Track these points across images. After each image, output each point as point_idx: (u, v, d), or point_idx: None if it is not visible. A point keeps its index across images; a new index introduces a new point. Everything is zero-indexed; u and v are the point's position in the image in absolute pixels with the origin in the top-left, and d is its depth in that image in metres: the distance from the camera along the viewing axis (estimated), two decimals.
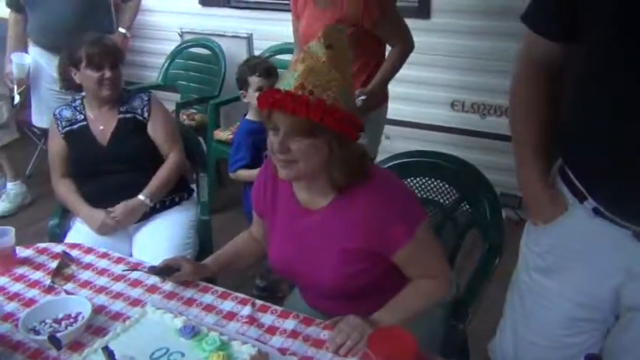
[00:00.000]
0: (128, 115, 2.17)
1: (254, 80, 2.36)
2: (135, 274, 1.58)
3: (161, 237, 2.11)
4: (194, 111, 3.91)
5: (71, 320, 1.37)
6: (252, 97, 2.37)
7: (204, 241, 2.23)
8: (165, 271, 1.51)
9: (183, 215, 2.22)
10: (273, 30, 3.79)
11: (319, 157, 1.30)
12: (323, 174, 1.34)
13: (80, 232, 2.09)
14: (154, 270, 1.53)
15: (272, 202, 1.51)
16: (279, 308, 1.41)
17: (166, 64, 4.03)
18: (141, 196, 2.10)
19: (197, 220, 2.24)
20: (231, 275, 1.80)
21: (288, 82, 1.27)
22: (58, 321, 1.37)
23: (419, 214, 1.39)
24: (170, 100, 3.87)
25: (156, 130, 2.19)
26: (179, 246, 2.10)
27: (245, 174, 2.38)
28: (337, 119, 1.25)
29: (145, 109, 2.19)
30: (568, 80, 1.29)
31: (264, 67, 2.39)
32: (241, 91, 2.44)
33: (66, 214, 2.22)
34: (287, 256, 1.48)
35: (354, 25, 2.30)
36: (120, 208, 2.07)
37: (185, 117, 3.78)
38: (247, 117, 2.46)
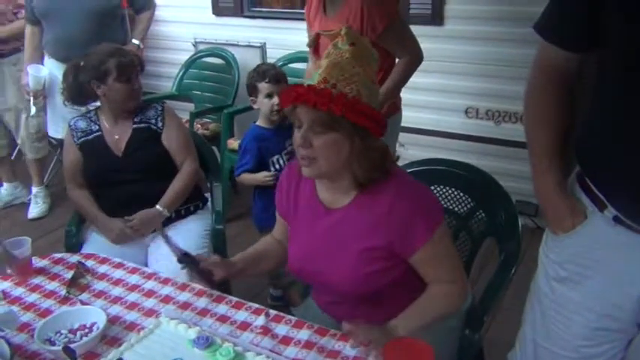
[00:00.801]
0: (142, 125, 2.19)
1: (263, 86, 2.37)
2: (149, 285, 1.58)
3: None
4: (208, 120, 3.93)
5: (86, 330, 1.38)
6: (261, 103, 2.38)
7: (218, 250, 2.23)
8: (192, 260, 1.51)
9: (198, 224, 2.22)
10: (286, 39, 3.80)
11: (341, 152, 1.31)
12: (345, 171, 1.36)
13: (96, 243, 2.10)
14: (182, 259, 1.51)
15: (294, 204, 1.52)
16: (293, 318, 1.40)
17: (180, 74, 4.05)
18: (158, 207, 2.11)
19: (212, 229, 2.25)
20: (252, 278, 1.79)
21: (312, 78, 1.31)
22: (73, 331, 1.38)
23: (439, 216, 1.40)
24: (184, 109, 3.91)
25: (170, 140, 2.20)
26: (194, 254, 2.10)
27: (248, 177, 2.40)
28: (359, 112, 1.27)
29: (159, 118, 2.20)
30: (585, 87, 1.27)
31: (273, 73, 2.39)
32: (251, 98, 2.44)
33: (82, 224, 2.24)
34: (307, 255, 1.48)
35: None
36: (137, 218, 2.08)
37: (199, 126, 3.80)
38: (257, 123, 2.47)
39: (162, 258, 2.08)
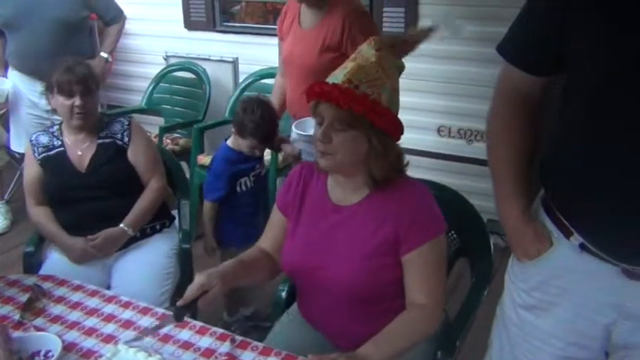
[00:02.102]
0: (107, 141, 2.11)
1: (251, 140, 2.28)
2: (108, 309, 1.51)
3: (141, 266, 2.04)
4: (178, 135, 3.85)
5: (40, 359, 1.30)
6: (243, 144, 2.30)
7: (184, 270, 2.16)
8: (190, 306, 1.32)
9: (164, 243, 2.15)
10: (259, 54, 3.77)
11: (358, 150, 1.36)
12: (361, 168, 1.39)
13: (56, 263, 2.01)
14: (180, 313, 1.33)
15: (300, 199, 1.53)
16: (260, 345, 1.35)
17: (150, 88, 3.98)
18: (123, 226, 2.03)
19: (178, 248, 2.18)
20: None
21: (336, 77, 1.35)
22: None
23: (442, 226, 1.43)
24: (154, 124, 3.83)
25: (137, 156, 2.12)
26: (160, 274, 2.03)
27: (211, 208, 2.33)
28: (378, 113, 1.32)
29: (126, 133, 2.12)
30: (549, 110, 1.26)
31: (262, 131, 2.26)
32: (235, 129, 2.32)
33: (42, 243, 2.15)
34: (307, 250, 1.47)
35: (337, 50, 2.29)
36: (101, 237, 2.00)
37: (169, 141, 3.72)
38: (228, 143, 2.40)
39: (126, 275, 2.00)
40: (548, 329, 1.28)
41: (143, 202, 2.10)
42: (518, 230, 1.29)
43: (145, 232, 2.12)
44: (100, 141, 2.10)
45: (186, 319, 1.42)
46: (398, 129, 1.39)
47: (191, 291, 1.32)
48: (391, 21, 3.32)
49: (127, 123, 2.16)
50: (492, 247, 1.70)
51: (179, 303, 1.34)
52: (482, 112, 3.33)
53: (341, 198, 1.47)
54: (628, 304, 1.17)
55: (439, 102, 3.35)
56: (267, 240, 1.61)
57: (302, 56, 2.37)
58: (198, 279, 1.34)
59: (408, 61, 3.32)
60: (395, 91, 1.39)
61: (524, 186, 1.31)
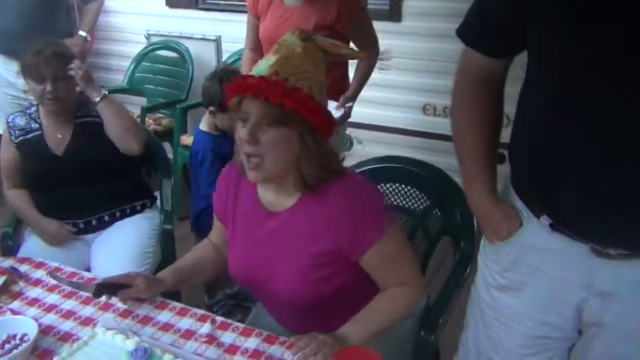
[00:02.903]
0: (86, 120, 2.04)
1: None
2: (81, 283, 1.48)
3: (120, 247, 2.01)
4: (161, 115, 3.79)
5: (16, 342, 1.28)
6: (223, 119, 2.23)
7: (166, 251, 2.14)
8: (110, 289, 1.38)
9: (144, 224, 2.12)
10: (242, 32, 3.69)
11: (290, 151, 1.24)
12: (292, 171, 1.28)
13: (34, 245, 1.98)
14: (99, 290, 1.38)
15: (233, 209, 1.43)
16: (241, 325, 1.33)
17: (132, 67, 3.91)
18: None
19: (160, 229, 2.15)
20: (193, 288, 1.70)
21: (260, 69, 1.22)
22: (1, 344, 1.27)
23: (390, 215, 1.34)
24: (136, 104, 3.77)
25: (110, 126, 2.00)
26: (139, 255, 2.00)
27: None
28: (312, 110, 1.20)
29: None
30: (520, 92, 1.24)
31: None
32: (210, 108, 2.26)
33: (20, 225, 2.11)
34: (248, 263, 1.40)
35: (330, 29, 2.25)
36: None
37: (151, 122, 3.67)
38: (203, 127, 2.30)
39: (105, 256, 1.97)
40: (520, 309, 1.28)
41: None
42: (486, 211, 1.28)
43: (124, 212, 2.09)
44: (78, 121, 2.04)
45: (165, 300, 1.44)
46: (330, 126, 1.27)
47: (117, 277, 1.41)
48: None
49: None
50: (476, 225, 1.69)
51: (99, 280, 1.43)
52: None
53: (273, 203, 1.36)
54: (597, 282, 1.16)
55: (424, 80, 3.32)
56: (215, 235, 1.58)
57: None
58: (130, 272, 1.44)
59: (393, 39, 3.31)
60: (323, 86, 1.27)
61: (491, 167, 1.30)
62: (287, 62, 1.21)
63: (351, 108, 2.51)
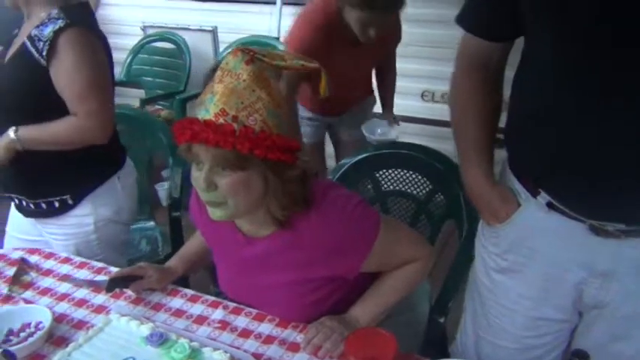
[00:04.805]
0: (28, 47, 1.57)
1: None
2: (98, 279, 1.50)
3: None
4: (160, 107, 3.80)
5: (31, 330, 1.29)
6: None
7: (176, 239, 2.15)
8: (122, 282, 1.40)
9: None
10: (239, 23, 3.71)
11: (253, 191, 1.13)
12: (260, 208, 1.19)
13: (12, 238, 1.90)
14: (111, 285, 1.40)
15: (212, 228, 1.34)
16: (253, 310, 1.35)
17: (129, 60, 3.91)
18: (10, 131, 1.61)
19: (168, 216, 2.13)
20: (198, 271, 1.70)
21: (206, 108, 1.09)
22: (15, 332, 1.29)
23: (372, 218, 1.24)
24: (134, 96, 3.78)
25: (58, 82, 1.58)
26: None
27: None
28: (269, 147, 1.08)
29: (47, 46, 1.54)
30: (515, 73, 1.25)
31: None
32: None
33: None
34: (237, 287, 1.38)
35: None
36: None
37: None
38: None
39: None
40: (519, 290, 1.29)
41: (49, 126, 1.62)
42: (484, 194, 1.29)
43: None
44: (26, 41, 1.58)
45: (177, 287, 1.46)
46: (293, 149, 1.13)
47: (129, 270, 1.42)
48: None
49: (56, 28, 1.55)
50: None
51: (111, 275, 1.44)
52: None
53: (250, 230, 1.27)
54: (597, 262, 1.18)
55: (423, 67, 3.34)
56: None
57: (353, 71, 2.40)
58: (142, 264, 1.44)
59: None
60: (280, 107, 1.11)
61: (487, 151, 1.31)
62: (233, 94, 1.07)
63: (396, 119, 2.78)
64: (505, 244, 1.30)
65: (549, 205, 1.19)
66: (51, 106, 1.60)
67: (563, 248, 1.21)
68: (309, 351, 1.21)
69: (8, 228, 1.92)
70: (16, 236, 1.89)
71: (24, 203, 1.76)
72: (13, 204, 1.85)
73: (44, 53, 1.54)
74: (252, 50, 1.11)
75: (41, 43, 1.54)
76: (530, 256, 1.26)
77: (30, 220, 1.81)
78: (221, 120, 1.07)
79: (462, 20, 1.26)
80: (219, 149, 1.07)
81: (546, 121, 1.14)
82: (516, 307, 1.30)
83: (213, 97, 1.08)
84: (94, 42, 1.63)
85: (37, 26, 1.57)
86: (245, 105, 1.07)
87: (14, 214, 1.86)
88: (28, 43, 1.57)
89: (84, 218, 1.75)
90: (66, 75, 1.57)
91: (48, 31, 1.55)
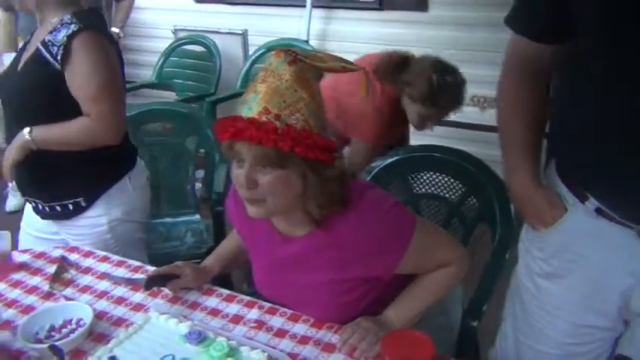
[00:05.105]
0: (42, 51, 1.61)
1: None
2: (136, 277, 1.53)
3: None
4: None
5: (72, 327, 1.33)
6: None
7: (217, 233, 2.21)
8: (160, 281, 1.43)
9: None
10: (268, 25, 3.75)
11: (292, 190, 1.15)
12: (298, 207, 1.21)
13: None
14: (149, 283, 1.43)
15: (248, 226, 1.37)
16: (288, 311, 1.36)
17: (160, 62, 3.98)
18: (25, 132, 1.66)
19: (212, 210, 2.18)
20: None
21: (250, 107, 1.12)
22: (57, 328, 1.32)
23: (408, 219, 1.26)
24: (166, 98, 3.84)
25: (73, 84, 1.62)
26: None
27: None
28: (310, 146, 1.10)
29: (61, 50, 1.58)
30: (560, 78, 1.25)
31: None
32: None
33: None
34: (273, 288, 1.40)
35: None
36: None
37: None
38: None
39: None
40: (564, 296, 1.27)
41: (62, 126, 1.66)
42: (530, 198, 1.28)
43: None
44: (40, 47, 1.63)
45: (212, 287, 1.48)
46: (332, 150, 1.15)
47: (166, 268, 1.45)
48: None
49: (69, 33, 1.58)
50: (513, 211, 1.70)
51: (149, 273, 1.47)
52: (495, 79, 3.30)
53: (287, 229, 1.29)
54: None
55: (471, 71, 3.31)
56: None
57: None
58: (178, 263, 1.46)
59: (419, 29, 3.30)
60: (320, 106, 1.15)
61: (535, 154, 1.30)
62: (276, 94, 1.10)
63: None
64: (550, 249, 1.28)
65: (598, 211, 1.18)
66: (65, 109, 1.65)
67: (611, 254, 1.19)
68: (345, 352, 1.22)
69: (23, 224, 1.97)
70: (31, 233, 1.94)
71: (40, 207, 1.82)
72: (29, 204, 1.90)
73: (59, 57, 1.58)
74: (295, 51, 1.14)
75: (55, 48, 1.58)
76: (576, 262, 1.24)
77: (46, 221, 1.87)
78: (264, 118, 1.09)
79: (511, 22, 1.25)
80: (260, 147, 1.09)
81: (596, 126, 1.13)
82: (559, 313, 1.29)
83: (256, 96, 1.11)
84: (107, 46, 1.67)
85: (51, 32, 1.61)
86: (287, 104, 1.10)
87: (30, 211, 1.91)
88: (42, 49, 1.61)
89: (97, 219, 1.80)
90: (80, 77, 1.61)
91: (61, 35, 1.58)
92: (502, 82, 1.32)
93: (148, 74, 4.10)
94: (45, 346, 1.22)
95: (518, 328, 1.40)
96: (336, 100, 2.35)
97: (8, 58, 3.09)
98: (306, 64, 1.13)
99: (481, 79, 3.25)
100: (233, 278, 1.81)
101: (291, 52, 1.13)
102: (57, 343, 1.22)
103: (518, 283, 1.40)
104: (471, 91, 3.31)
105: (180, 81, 3.97)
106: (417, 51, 3.28)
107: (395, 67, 2.25)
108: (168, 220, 2.53)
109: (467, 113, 3.34)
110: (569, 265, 1.26)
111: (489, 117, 3.30)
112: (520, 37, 1.24)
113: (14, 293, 1.50)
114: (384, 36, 3.41)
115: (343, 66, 1.17)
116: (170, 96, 3.92)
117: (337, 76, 2.10)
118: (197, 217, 2.52)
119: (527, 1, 1.23)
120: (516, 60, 1.28)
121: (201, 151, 2.46)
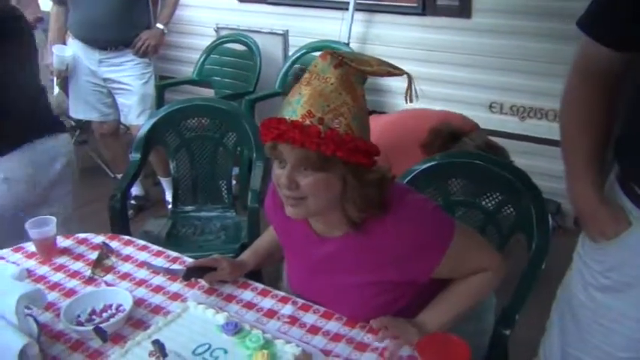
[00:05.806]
0: None
1: None
2: (174, 267, 1.57)
3: None
4: None
5: (112, 311, 1.37)
6: None
7: (252, 230, 2.24)
8: (198, 272, 1.47)
9: None
10: (309, 27, 3.78)
11: (332, 192, 1.17)
12: (337, 208, 1.22)
13: None
14: (188, 273, 1.47)
15: (286, 225, 1.39)
16: (321, 308, 1.38)
17: (202, 59, 4.03)
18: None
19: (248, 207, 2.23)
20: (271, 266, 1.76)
21: (293, 109, 1.13)
22: (98, 312, 1.37)
23: (447, 223, 1.26)
24: (205, 95, 3.89)
25: None
26: None
27: None
28: (352, 150, 1.12)
29: None
30: (630, 88, 1.21)
31: None
32: None
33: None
34: (306, 286, 1.41)
35: None
36: None
37: None
38: None
39: None
40: (622, 310, 1.25)
41: None
42: (593, 211, 1.25)
43: None
44: None
45: (247, 281, 1.51)
46: (372, 155, 1.17)
47: (204, 261, 1.48)
48: None
49: None
50: (551, 221, 1.68)
51: (188, 264, 1.52)
52: (535, 89, 3.33)
53: (323, 229, 1.31)
54: None
55: (491, 77, 3.30)
56: None
57: None
58: (216, 256, 1.50)
59: (462, 36, 3.28)
60: (363, 111, 1.16)
61: (598, 166, 1.26)
62: (320, 97, 1.11)
63: None
64: (611, 262, 1.26)
65: None
66: None
67: None
68: (382, 335, 1.24)
69: None
70: None
71: None
72: None
73: None
74: (341, 54, 1.15)
75: None
76: (637, 277, 1.22)
77: None
78: (307, 122, 1.11)
79: (584, 25, 1.21)
80: (303, 149, 1.11)
81: None
82: (616, 327, 1.27)
83: (300, 99, 1.13)
84: None
85: None
86: (331, 108, 1.11)
87: None
88: None
89: None
90: None
91: None
92: (569, 86, 1.27)
93: (188, 71, 4.16)
94: (90, 328, 1.26)
95: (567, 341, 1.38)
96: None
97: (58, 50, 3.20)
98: (351, 67, 1.14)
99: (521, 88, 3.23)
100: (264, 276, 1.84)
101: (338, 55, 1.14)
102: (101, 326, 1.26)
103: (571, 294, 1.37)
104: (510, 100, 3.30)
105: (220, 78, 4.02)
106: (458, 58, 3.29)
107: (442, 144, 2.24)
108: (204, 214, 2.57)
109: (506, 122, 3.33)
110: (629, 279, 1.23)
111: (528, 127, 3.27)
112: (591, 42, 1.19)
113: (57, 277, 1.56)
114: (426, 41, 3.41)
115: (389, 70, 1.17)
116: (209, 93, 3.98)
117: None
118: (232, 213, 2.57)
119: (605, 7, 1.18)
120: (586, 65, 1.23)
121: (238, 148, 2.50)
